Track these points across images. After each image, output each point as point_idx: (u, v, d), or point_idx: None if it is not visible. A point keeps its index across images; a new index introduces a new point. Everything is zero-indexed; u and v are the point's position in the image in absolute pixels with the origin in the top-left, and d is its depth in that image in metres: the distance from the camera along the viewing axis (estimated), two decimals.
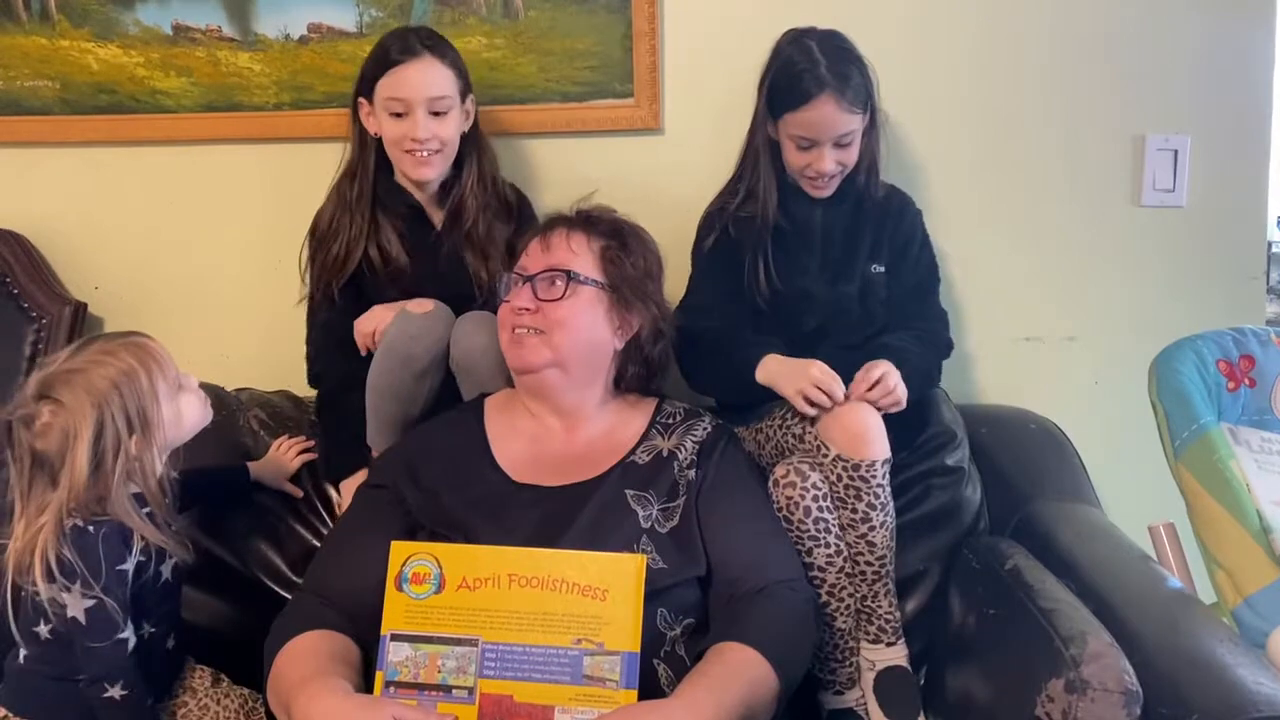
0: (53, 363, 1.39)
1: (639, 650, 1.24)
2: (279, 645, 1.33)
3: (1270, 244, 2.25)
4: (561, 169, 2.04)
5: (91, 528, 1.35)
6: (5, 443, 1.38)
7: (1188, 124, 1.97)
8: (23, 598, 1.39)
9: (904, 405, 1.57)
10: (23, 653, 1.42)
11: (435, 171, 1.78)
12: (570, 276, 1.51)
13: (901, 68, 1.96)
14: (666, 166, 2.04)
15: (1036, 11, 1.96)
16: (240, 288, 2.18)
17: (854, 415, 1.52)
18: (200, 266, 2.18)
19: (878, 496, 1.52)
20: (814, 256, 1.76)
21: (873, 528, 1.53)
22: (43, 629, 1.38)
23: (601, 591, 1.26)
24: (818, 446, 1.54)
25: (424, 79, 1.72)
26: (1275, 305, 2.37)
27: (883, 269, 1.77)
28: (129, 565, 1.38)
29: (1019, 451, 1.88)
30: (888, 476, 1.54)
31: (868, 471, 1.51)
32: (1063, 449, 1.88)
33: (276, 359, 2.11)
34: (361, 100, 1.78)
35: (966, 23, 1.98)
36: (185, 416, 1.46)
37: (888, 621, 1.58)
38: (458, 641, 1.26)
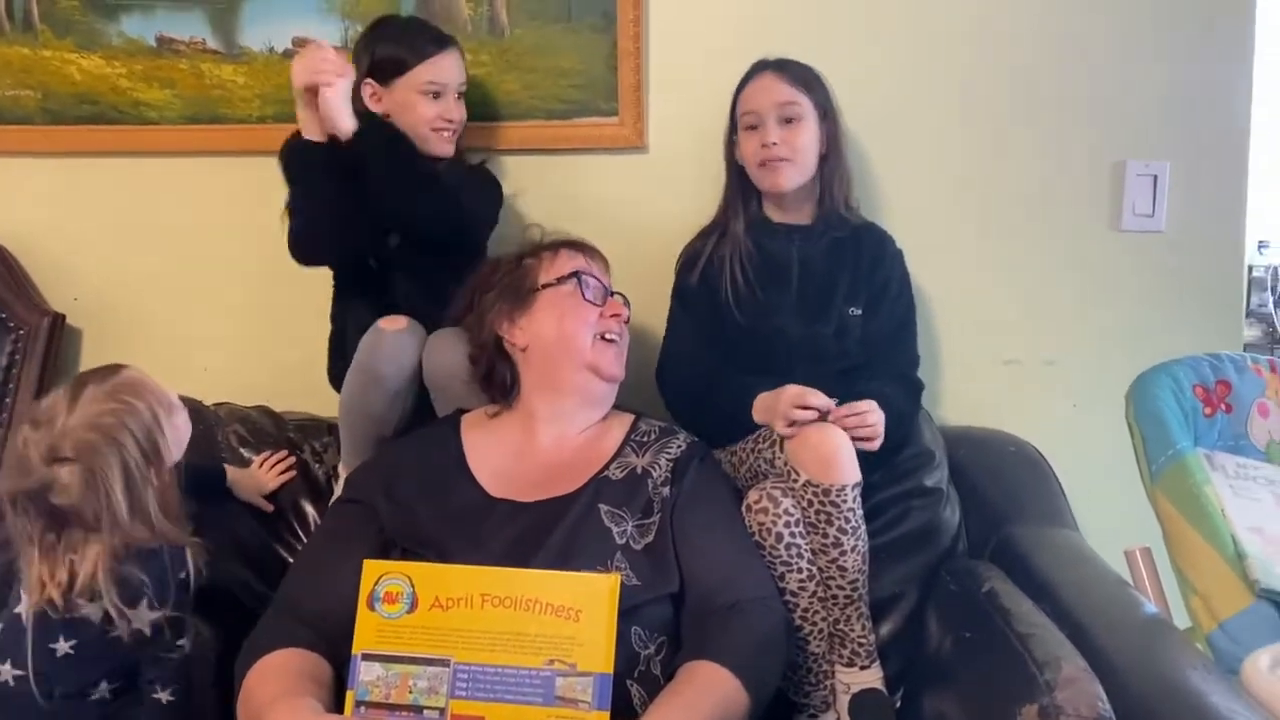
0: (50, 422, 1.38)
1: (612, 671, 1.23)
2: (250, 663, 1.32)
3: (1250, 268, 2.27)
4: (546, 186, 2.05)
5: (154, 548, 1.39)
6: (11, 514, 1.39)
7: (1167, 150, 1.98)
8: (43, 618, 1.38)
9: (875, 447, 1.57)
10: (12, 674, 1.38)
11: (453, 147, 1.87)
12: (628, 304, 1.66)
13: (884, 95, 1.97)
14: (651, 184, 2.05)
15: (1018, 41, 1.98)
16: (221, 302, 2.17)
17: (823, 438, 1.52)
18: (181, 279, 2.17)
19: (848, 521, 1.52)
20: (789, 295, 1.78)
21: (844, 552, 1.53)
22: (62, 645, 1.36)
23: (575, 612, 1.25)
24: (788, 471, 1.54)
25: (458, 66, 1.86)
26: (1253, 329, 2.38)
27: (860, 311, 1.77)
28: (188, 577, 1.42)
29: (998, 474, 1.88)
30: (859, 500, 1.53)
31: (838, 496, 1.50)
32: (1041, 472, 1.88)
33: (256, 374, 2.10)
34: (370, 83, 1.82)
35: (949, 50, 1.99)
36: (181, 433, 1.48)
37: (861, 645, 1.57)
38: (429, 661, 1.25)
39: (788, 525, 1.52)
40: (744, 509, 1.55)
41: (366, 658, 1.26)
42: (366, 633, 1.27)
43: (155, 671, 1.39)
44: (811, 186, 1.80)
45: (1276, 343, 2.35)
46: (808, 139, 1.75)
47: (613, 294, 1.66)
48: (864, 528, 1.55)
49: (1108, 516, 1.89)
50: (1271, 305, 2.33)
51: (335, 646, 1.33)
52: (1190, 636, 1.54)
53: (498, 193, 1.92)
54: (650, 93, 2.02)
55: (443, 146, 1.84)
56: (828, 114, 1.78)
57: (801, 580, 1.54)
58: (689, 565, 1.43)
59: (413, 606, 1.27)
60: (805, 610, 1.55)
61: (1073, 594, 1.52)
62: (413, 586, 1.28)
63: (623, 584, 1.29)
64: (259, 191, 2.10)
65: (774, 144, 1.73)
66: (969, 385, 2.06)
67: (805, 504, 1.52)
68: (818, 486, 1.50)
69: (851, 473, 1.52)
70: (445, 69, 1.83)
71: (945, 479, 1.81)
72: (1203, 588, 1.56)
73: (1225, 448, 1.69)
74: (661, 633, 1.39)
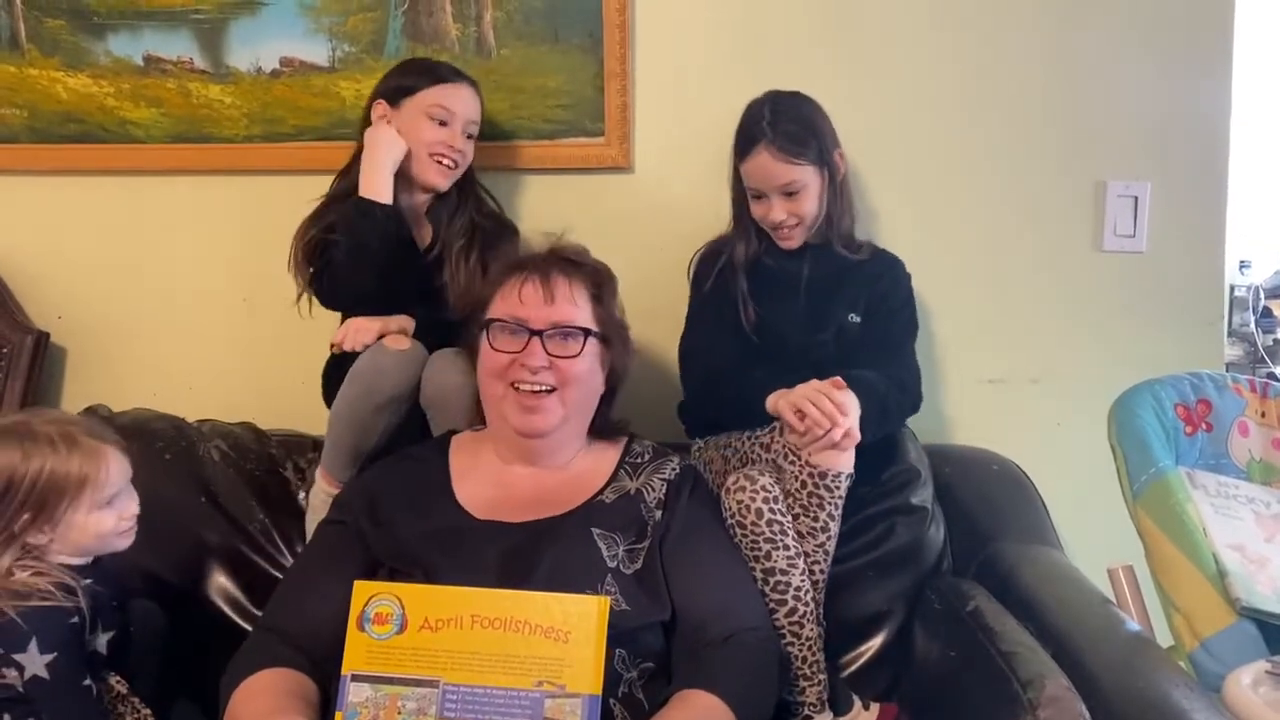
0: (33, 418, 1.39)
1: (600, 693, 1.23)
2: (236, 682, 1.32)
3: (1232, 288, 2.28)
4: (532, 205, 2.06)
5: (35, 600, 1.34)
6: None
7: (1148, 171, 2.00)
8: None
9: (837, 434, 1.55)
10: None
11: (448, 182, 1.86)
12: (587, 334, 1.49)
13: (867, 116, 1.99)
14: (637, 204, 2.06)
15: (1001, 65, 2.00)
16: (205, 320, 2.17)
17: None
18: (165, 298, 2.17)
19: (837, 508, 1.56)
20: (798, 310, 1.80)
21: (831, 537, 1.58)
22: None
23: (564, 633, 1.25)
24: (785, 453, 1.56)
25: (471, 102, 1.86)
26: (1235, 349, 2.40)
27: (859, 319, 1.79)
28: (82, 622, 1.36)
29: (982, 492, 1.89)
30: (846, 492, 1.57)
31: (834, 482, 1.54)
32: (1025, 490, 1.89)
33: (240, 391, 2.10)
34: (381, 102, 1.83)
35: (932, 72, 2.01)
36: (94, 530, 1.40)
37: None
38: (418, 682, 1.24)
39: (766, 501, 1.53)
40: (723, 493, 1.56)
41: (356, 678, 1.25)
42: (356, 653, 1.26)
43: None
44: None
45: (1258, 362, 2.36)
46: (812, 201, 1.77)
47: (542, 333, 1.47)
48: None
49: (1090, 534, 1.90)
50: (1253, 325, 2.35)
51: (321, 667, 1.33)
52: (1173, 654, 1.55)
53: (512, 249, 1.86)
54: (636, 113, 2.04)
55: (436, 177, 1.82)
56: (827, 160, 1.77)
57: (790, 558, 1.54)
58: (681, 596, 1.42)
59: (402, 627, 1.26)
60: (796, 589, 1.54)
61: (1056, 612, 1.53)
62: (402, 607, 1.27)
63: (611, 608, 1.28)
64: (245, 210, 2.11)
65: (781, 219, 1.76)
66: (954, 404, 2.08)
67: (798, 486, 1.55)
68: (816, 469, 1.53)
69: (849, 461, 1.55)
70: (455, 98, 1.83)
71: (930, 497, 1.82)
72: (1185, 606, 1.57)
73: (1206, 466, 1.70)
74: (647, 659, 1.38)
